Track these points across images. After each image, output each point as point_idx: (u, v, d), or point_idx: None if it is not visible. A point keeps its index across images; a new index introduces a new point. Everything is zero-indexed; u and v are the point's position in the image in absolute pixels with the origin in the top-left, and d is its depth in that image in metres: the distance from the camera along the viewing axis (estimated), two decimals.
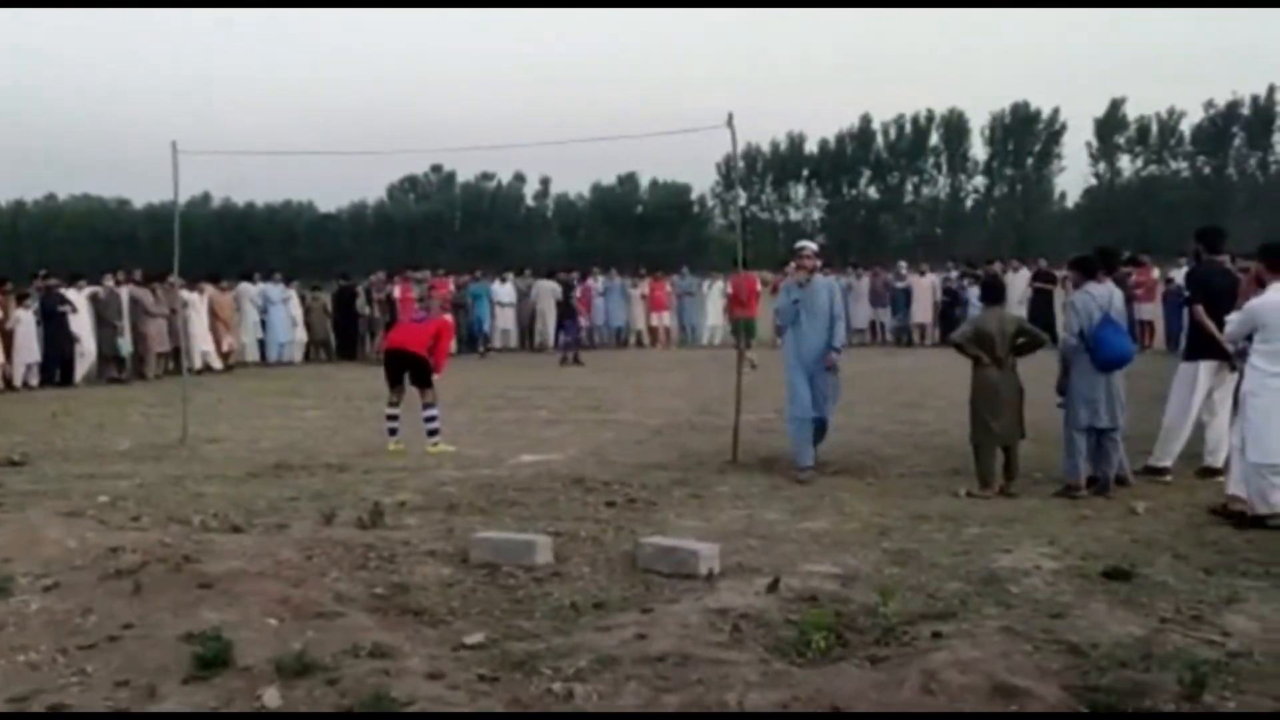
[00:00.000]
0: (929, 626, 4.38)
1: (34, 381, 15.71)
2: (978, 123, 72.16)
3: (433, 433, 9.50)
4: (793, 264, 8.94)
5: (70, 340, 16.11)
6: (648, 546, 5.52)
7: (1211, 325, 7.49)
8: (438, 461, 8.92)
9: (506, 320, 22.20)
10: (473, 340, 21.23)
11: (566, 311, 20.12)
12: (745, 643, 4.26)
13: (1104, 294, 7.39)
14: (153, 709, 3.81)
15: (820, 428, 8.34)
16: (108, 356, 16.73)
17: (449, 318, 11.74)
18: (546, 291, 22.09)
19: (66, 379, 16.03)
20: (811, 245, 8.70)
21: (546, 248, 64.88)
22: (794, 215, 77.79)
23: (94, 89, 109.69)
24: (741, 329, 16.58)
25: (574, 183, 79.90)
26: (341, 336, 20.54)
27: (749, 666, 3.97)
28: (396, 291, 20.00)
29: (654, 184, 79.24)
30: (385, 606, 4.86)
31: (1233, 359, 7.43)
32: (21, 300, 15.80)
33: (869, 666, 3.96)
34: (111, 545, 5.58)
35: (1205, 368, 7.66)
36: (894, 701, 3.60)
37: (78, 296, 16.54)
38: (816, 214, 77.26)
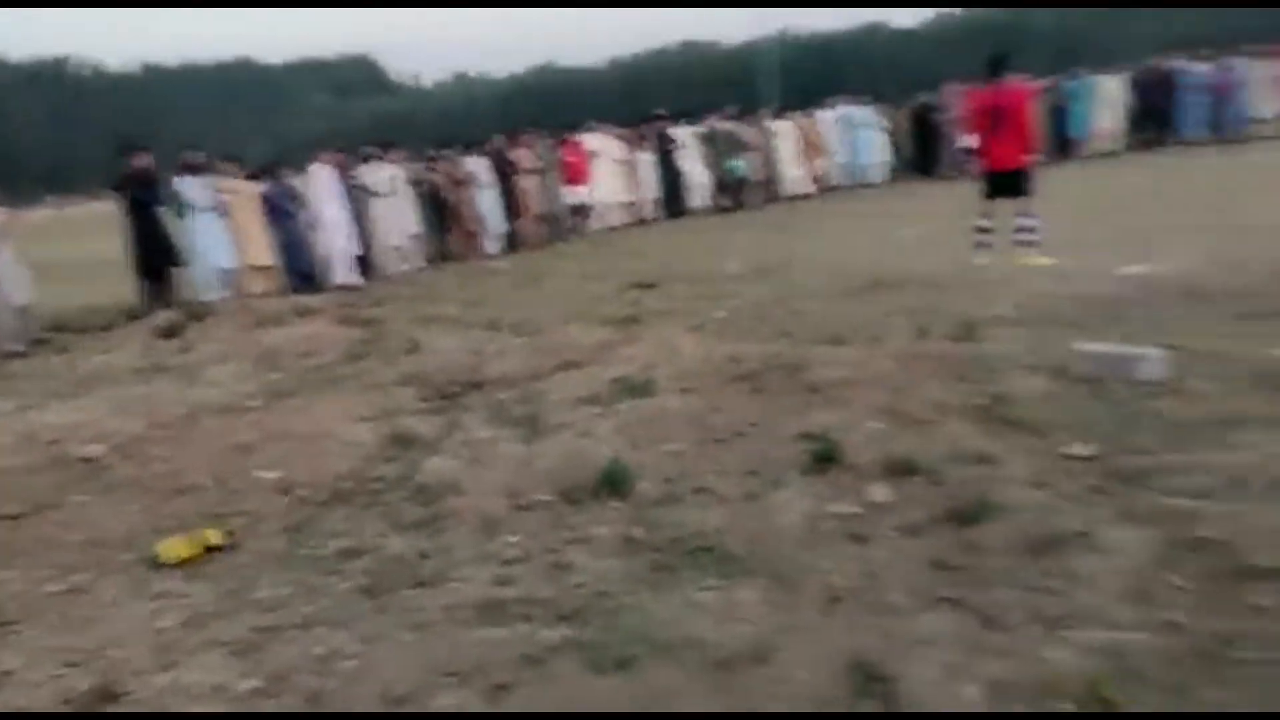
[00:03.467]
0: None
1: (657, 214, 17.81)
2: None
3: (1028, 244, 9.16)
4: None
5: (678, 174, 17.89)
6: None
7: None
8: (1031, 275, 8.61)
9: (1103, 119, 20.43)
10: (1064, 145, 19.84)
11: None
12: None
13: None
14: (775, 496, 4.28)
15: None
16: (723, 185, 18.25)
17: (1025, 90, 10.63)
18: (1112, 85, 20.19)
19: (682, 210, 17.93)
20: None
21: (1144, 32, 57.28)
22: None
23: None
24: None
25: None
26: (921, 154, 20.31)
27: None
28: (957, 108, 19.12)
29: None
30: (984, 416, 4.90)
31: None
32: (641, 142, 17.80)
33: None
34: (732, 355, 6.25)
35: None
36: None
37: (686, 134, 18.19)
38: None
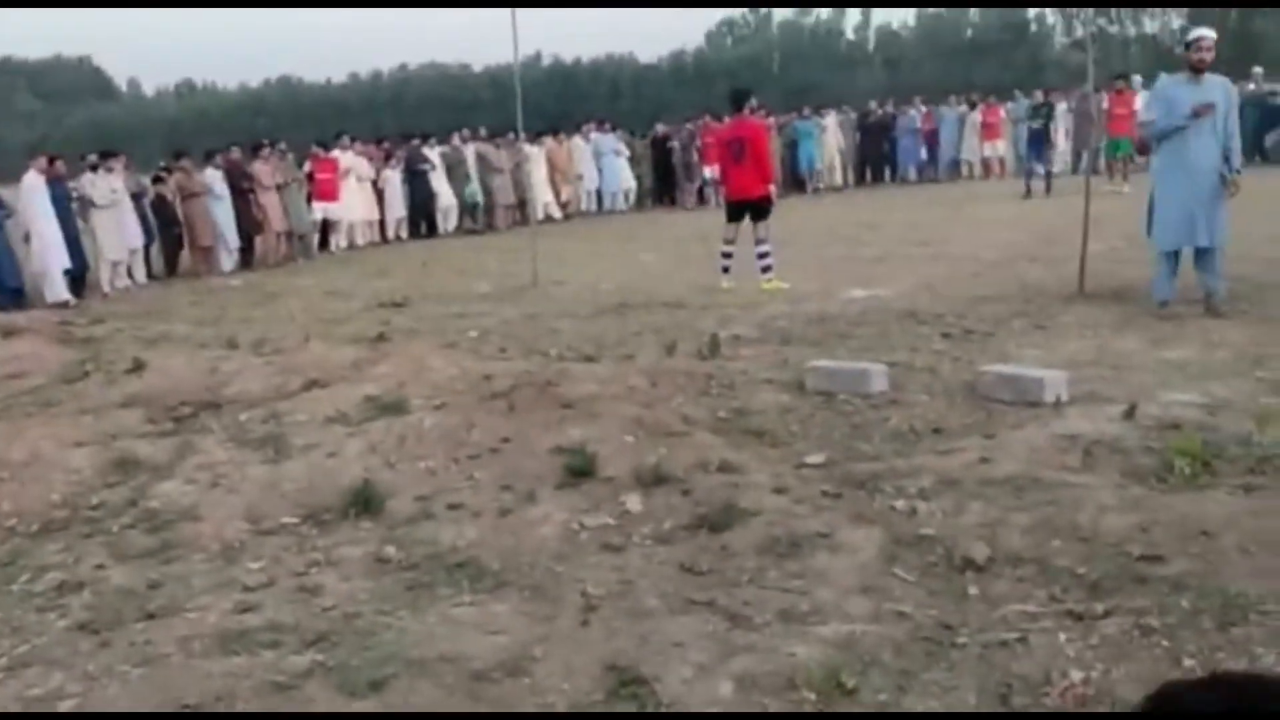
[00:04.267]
0: None
1: (403, 234, 17.46)
2: None
3: (766, 269, 9.66)
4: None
5: (432, 195, 17.65)
6: (988, 374, 5.40)
7: None
8: (769, 297, 9.09)
9: (830, 157, 22.02)
10: (799, 180, 21.15)
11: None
12: (1099, 467, 4.13)
13: None
14: (531, 510, 4.29)
15: (1208, 259, 7.19)
16: (465, 208, 18.15)
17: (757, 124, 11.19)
18: (836, 126, 21.92)
19: (430, 230, 17.67)
20: (1210, 33, 7.28)
21: (869, 82, 62.11)
22: (1149, 25, 69.34)
23: None
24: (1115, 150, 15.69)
25: (898, 12, 75.39)
26: (663, 183, 21.03)
27: (1104, 490, 3.86)
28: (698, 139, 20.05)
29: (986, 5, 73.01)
30: (728, 428, 5.12)
31: None
32: (388, 161, 17.43)
33: (1242, 494, 3.72)
34: (485, 373, 6.20)
35: None
36: (1273, 528, 3.38)
37: (434, 155, 17.98)
38: (1176, 22, 68.33)
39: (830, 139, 21.93)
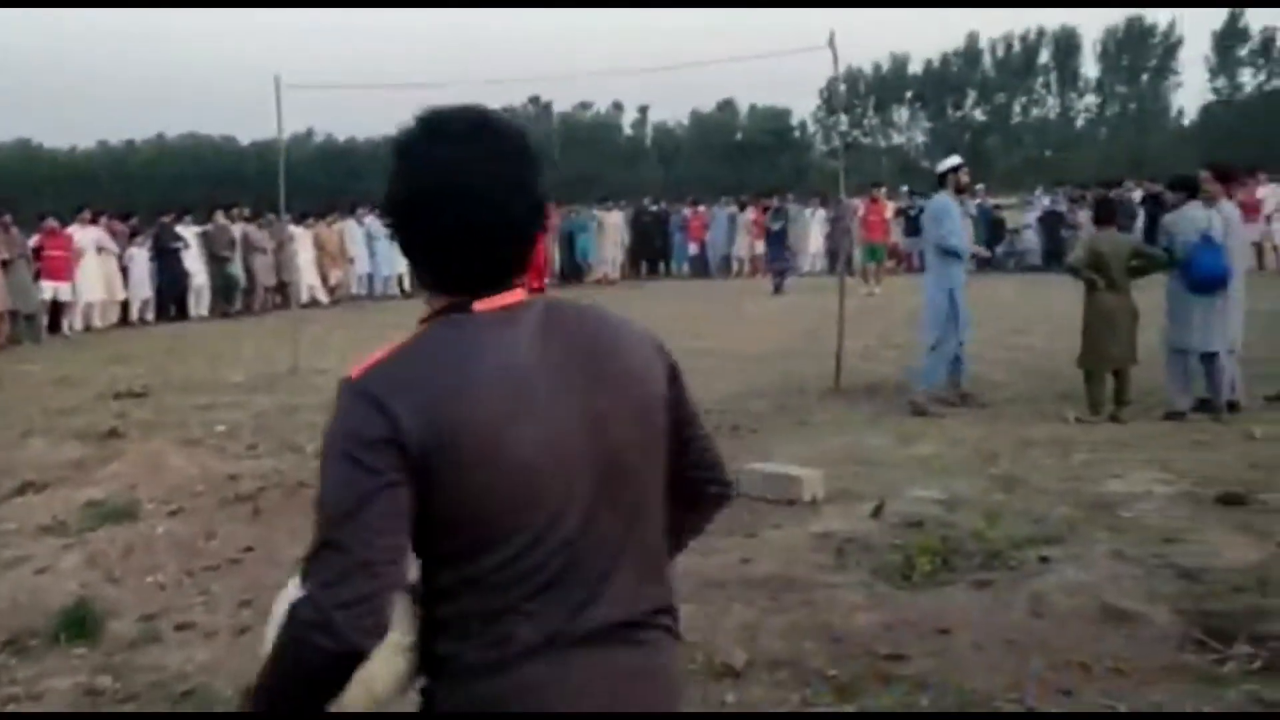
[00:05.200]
0: (1036, 551, 4.31)
1: (149, 316, 16.36)
2: (1090, 39, 68.82)
3: None
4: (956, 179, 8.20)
5: (184, 275, 16.68)
6: (751, 473, 5.50)
7: None
8: None
9: (605, 250, 22.57)
10: (577, 271, 21.53)
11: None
12: (849, 566, 4.26)
13: (1201, 215, 7.05)
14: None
15: (962, 354, 8.08)
16: (220, 291, 17.26)
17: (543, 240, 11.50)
18: (619, 221, 22.72)
19: (180, 313, 16.66)
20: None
21: (646, 177, 64.30)
22: (897, 139, 75.72)
23: (197, 27, 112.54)
24: (869, 254, 16.83)
25: (673, 110, 79.02)
26: None
27: (854, 589, 3.97)
28: None
29: (753, 109, 77.72)
30: None
31: None
32: (134, 237, 16.40)
33: (975, 590, 3.91)
34: (230, 473, 5.81)
35: None
36: (1002, 624, 3.55)
37: (189, 233, 17.05)
38: (920, 138, 75.05)
39: (609, 233, 22.46)
